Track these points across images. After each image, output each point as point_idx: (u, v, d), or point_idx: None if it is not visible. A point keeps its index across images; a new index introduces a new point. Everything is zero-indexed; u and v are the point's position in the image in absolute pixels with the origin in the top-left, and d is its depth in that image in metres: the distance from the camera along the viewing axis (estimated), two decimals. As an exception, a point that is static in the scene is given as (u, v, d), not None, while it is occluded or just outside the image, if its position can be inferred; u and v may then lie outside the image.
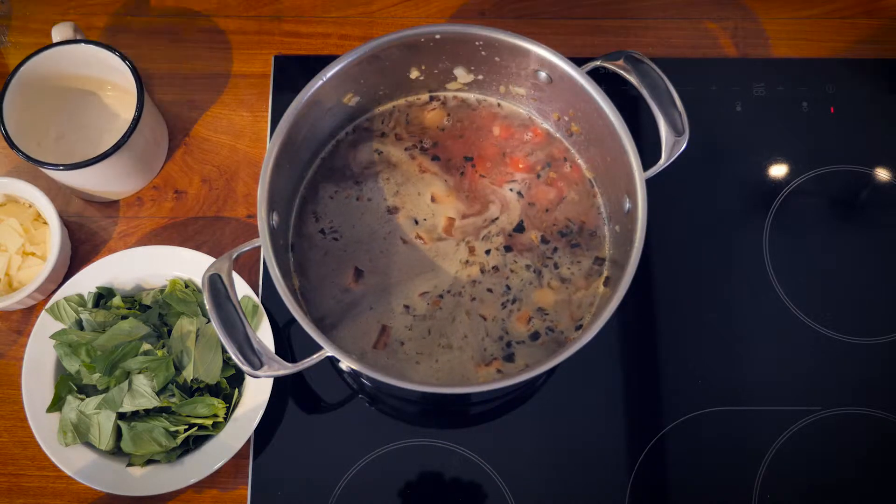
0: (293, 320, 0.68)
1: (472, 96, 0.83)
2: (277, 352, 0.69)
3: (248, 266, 0.85)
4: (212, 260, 0.79)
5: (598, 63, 0.76)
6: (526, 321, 0.76)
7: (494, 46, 0.77)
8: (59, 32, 0.82)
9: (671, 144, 0.74)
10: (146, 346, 0.77)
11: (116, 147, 0.79)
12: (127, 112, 0.87)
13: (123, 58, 0.81)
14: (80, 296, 0.81)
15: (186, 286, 0.81)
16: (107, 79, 0.86)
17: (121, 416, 0.77)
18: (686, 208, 0.86)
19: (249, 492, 0.78)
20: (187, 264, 0.81)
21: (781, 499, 0.78)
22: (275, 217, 0.73)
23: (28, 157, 0.78)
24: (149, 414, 0.77)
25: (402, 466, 0.78)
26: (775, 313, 0.83)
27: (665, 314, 0.83)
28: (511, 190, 0.80)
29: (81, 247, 0.86)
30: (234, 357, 0.66)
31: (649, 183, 0.72)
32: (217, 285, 0.68)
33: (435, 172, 0.81)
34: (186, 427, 0.76)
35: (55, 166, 0.79)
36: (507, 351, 0.75)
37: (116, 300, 0.81)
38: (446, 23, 0.76)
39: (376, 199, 0.80)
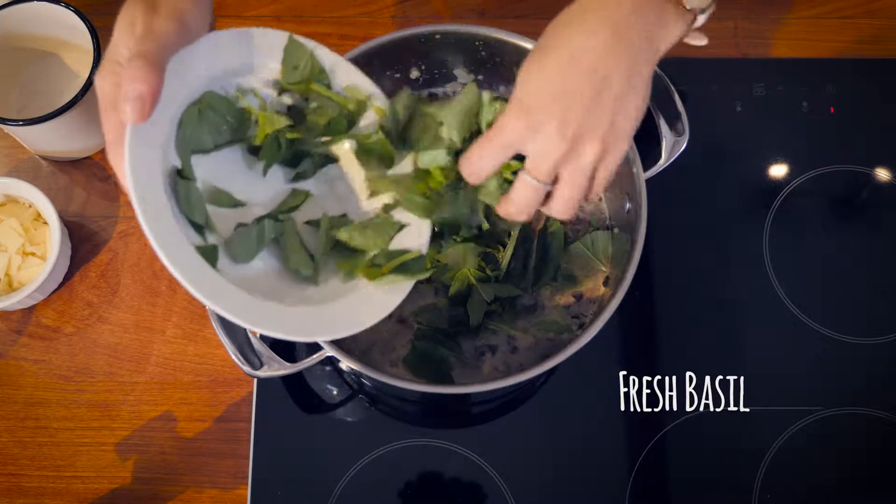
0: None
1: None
2: (277, 352, 0.68)
3: (248, 266, 0.84)
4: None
5: (598, 63, 0.76)
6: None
7: (494, 46, 0.77)
8: None
9: (671, 144, 0.74)
10: None
11: (73, 102, 0.79)
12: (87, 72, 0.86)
13: (79, 14, 0.81)
14: None
15: None
16: (67, 40, 0.85)
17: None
18: (686, 208, 0.86)
19: (249, 492, 0.78)
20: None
21: (781, 499, 0.78)
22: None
23: None
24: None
25: (402, 466, 0.78)
26: (775, 313, 0.83)
27: (665, 314, 0.83)
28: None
29: (81, 247, 0.86)
30: (233, 357, 0.66)
31: (649, 183, 0.72)
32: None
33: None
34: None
35: (15, 122, 0.79)
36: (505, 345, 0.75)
37: None
38: (446, 23, 0.76)
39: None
